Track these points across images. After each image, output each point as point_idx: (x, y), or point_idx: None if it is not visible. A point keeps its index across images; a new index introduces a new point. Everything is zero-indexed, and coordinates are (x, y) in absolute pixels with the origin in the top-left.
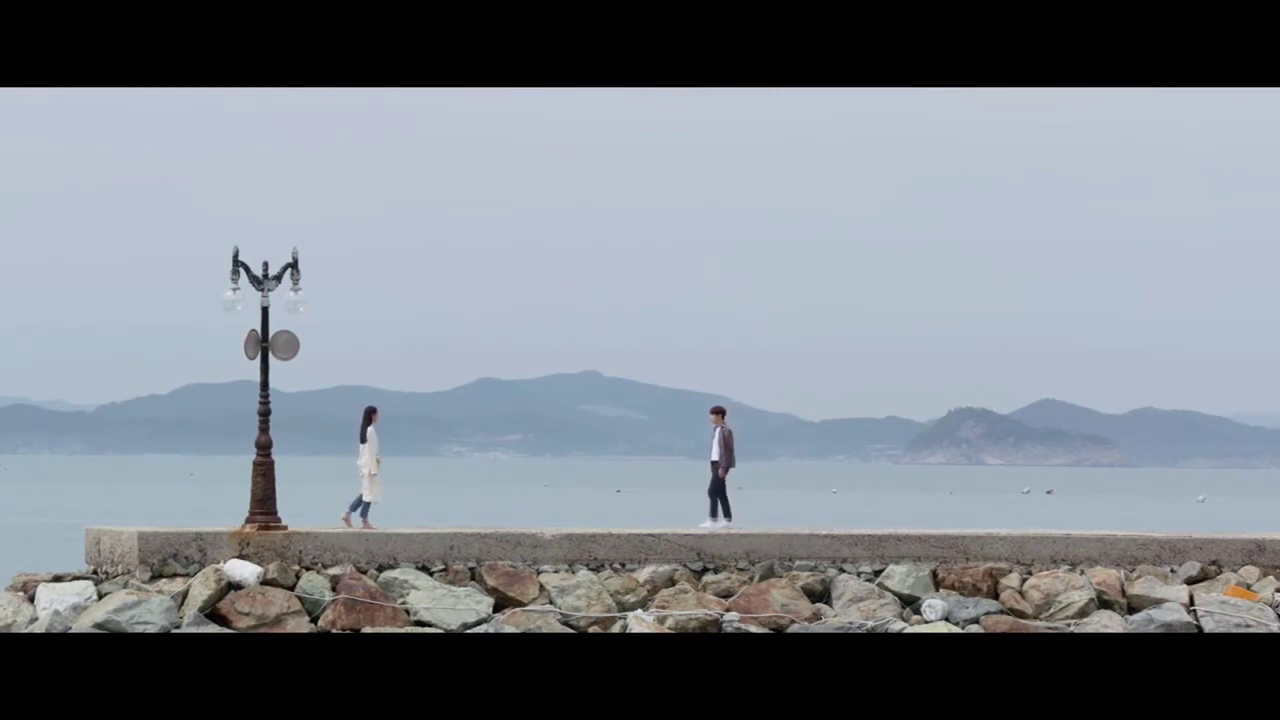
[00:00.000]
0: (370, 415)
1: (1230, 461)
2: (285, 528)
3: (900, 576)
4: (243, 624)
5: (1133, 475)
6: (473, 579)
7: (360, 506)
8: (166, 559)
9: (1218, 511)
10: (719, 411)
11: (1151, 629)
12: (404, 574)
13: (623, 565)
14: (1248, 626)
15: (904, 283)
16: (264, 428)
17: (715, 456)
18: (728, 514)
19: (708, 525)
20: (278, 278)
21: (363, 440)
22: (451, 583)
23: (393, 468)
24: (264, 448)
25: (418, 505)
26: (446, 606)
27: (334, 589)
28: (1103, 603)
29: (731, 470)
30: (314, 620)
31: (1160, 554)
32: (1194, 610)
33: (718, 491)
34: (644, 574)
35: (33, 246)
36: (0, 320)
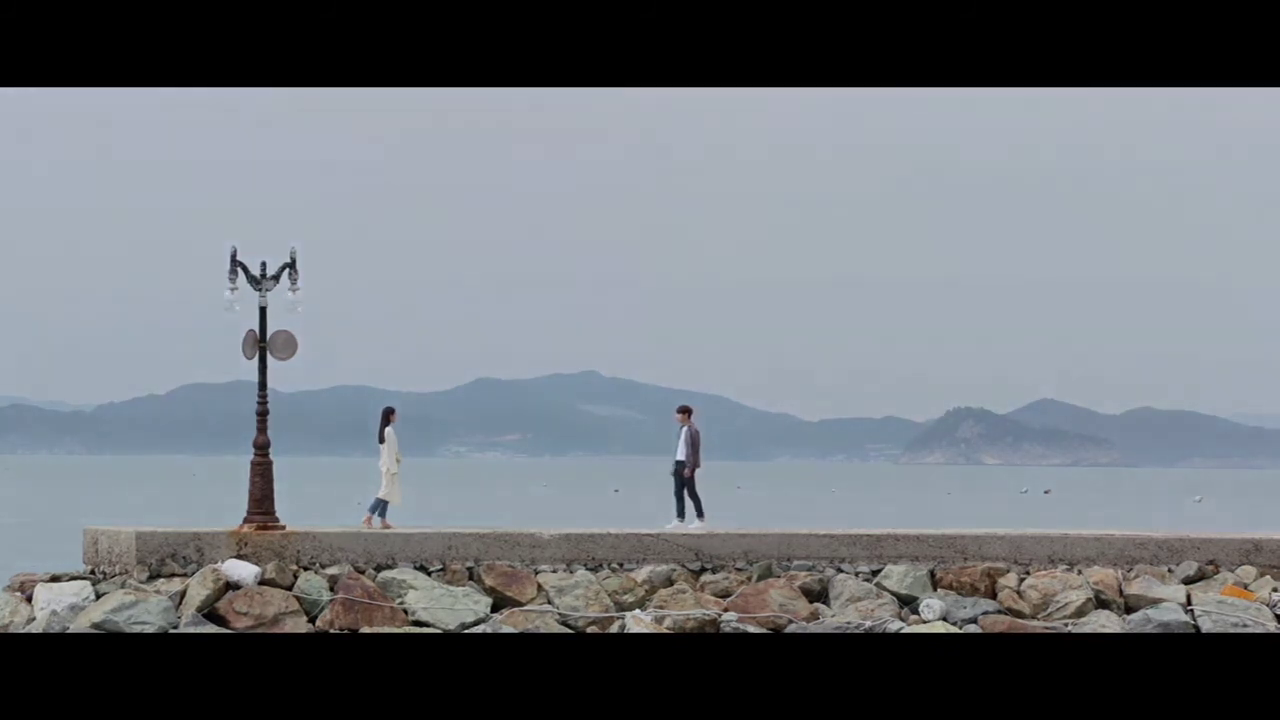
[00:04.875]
0: (388, 415)
1: (1228, 461)
2: (283, 527)
3: (898, 576)
4: (241, 624)
5: (1130, 475)
6: (471, 579)
7: (378, 506)
8: (164, 559)
9: (1215, 511)
10: (685, 411)
11: (1149, 629)
12: (402, 574)
13: (621, 565)
14: (1245, 626)
15: (903, 283)
16: (262, 428)
17: (681, 456)
18: (700, 514)
19: (697, 525)
20: (275, 277)
21: (381, 441)
22: (450, 582)
23: None
24: (262, 448)
25: (416, 505)
26: (444, 606)
27: (332, 589)
28: (1100, 602)
29: (698, 470)
30: (312, 620)
31: (1158, 554)
32: (1191, 610)
33: (688, 491)
34: (642, 574)
35: (32, 246)
36: None
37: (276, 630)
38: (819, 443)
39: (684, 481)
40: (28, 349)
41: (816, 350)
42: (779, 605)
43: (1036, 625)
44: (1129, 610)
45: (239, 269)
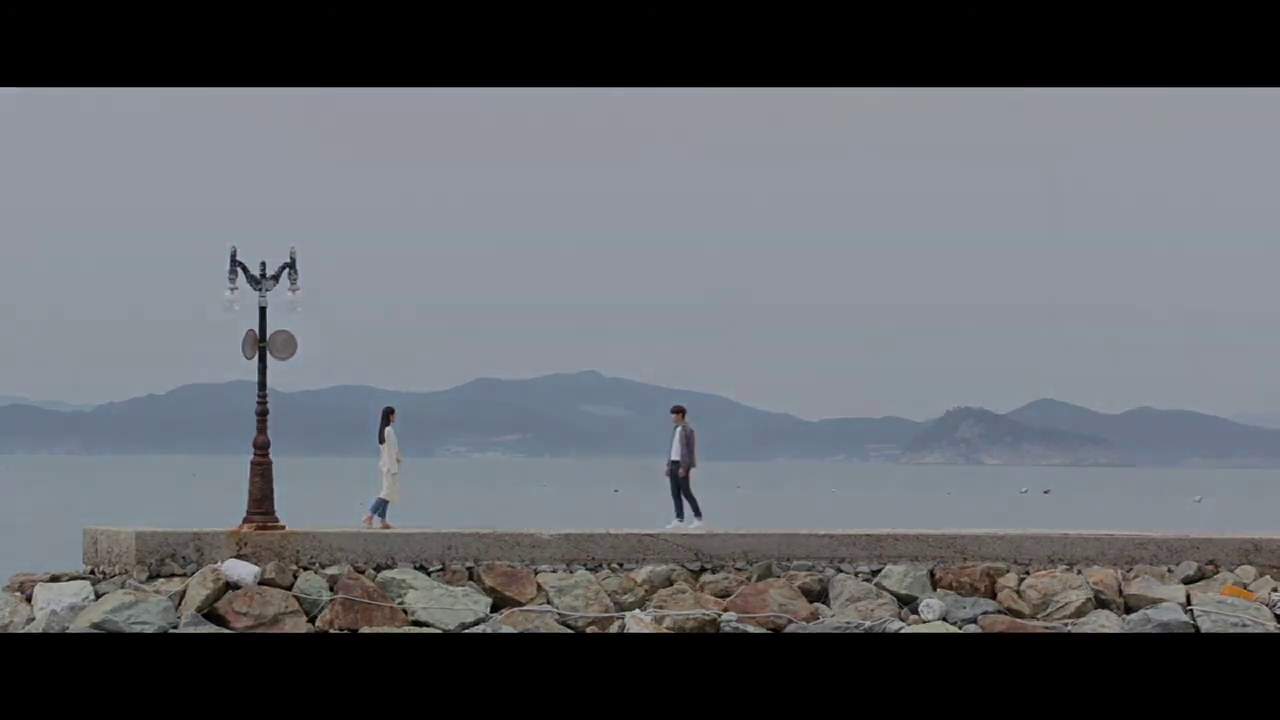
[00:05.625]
0: (388, 416)
1: (1227, 461)
2: (283, 527)
3: (898, 576)
4: (240, 624)
5: (1130, 475)
6: (470, 579)
7: (380, 506)
8: (164, 559)
9: (1215, 511)
10: (680, 411)
11: (1149, 629)
12: (402, 574)
13: (620, 565)
14: (1244, 626)
15: (902, 282)
16: (262, 428)
17: (676, 456)
18: (697, 514)
19: (696, 525)
20: (275, 277)
21: (381, 441)
22: (449, 582)
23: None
24: (262, 448)
25: (416, 505)
26: (444, 606)
27: (332, 589)
28: (1100, 602)
29: (693, 470)
30: (312, 620)
31: (1157, 554)
32: (1191, 610)
33: (685, 491)
34: (642, 574)
35: (31, 246)
36: None
37: (276, 630)
38: (819, 443)
39: (679, 482)
40: (28, 349)
41: (817, 350)
42: (779, 605)
43: (1036, 625)
44: (1128, 610)
45: (239, 269)
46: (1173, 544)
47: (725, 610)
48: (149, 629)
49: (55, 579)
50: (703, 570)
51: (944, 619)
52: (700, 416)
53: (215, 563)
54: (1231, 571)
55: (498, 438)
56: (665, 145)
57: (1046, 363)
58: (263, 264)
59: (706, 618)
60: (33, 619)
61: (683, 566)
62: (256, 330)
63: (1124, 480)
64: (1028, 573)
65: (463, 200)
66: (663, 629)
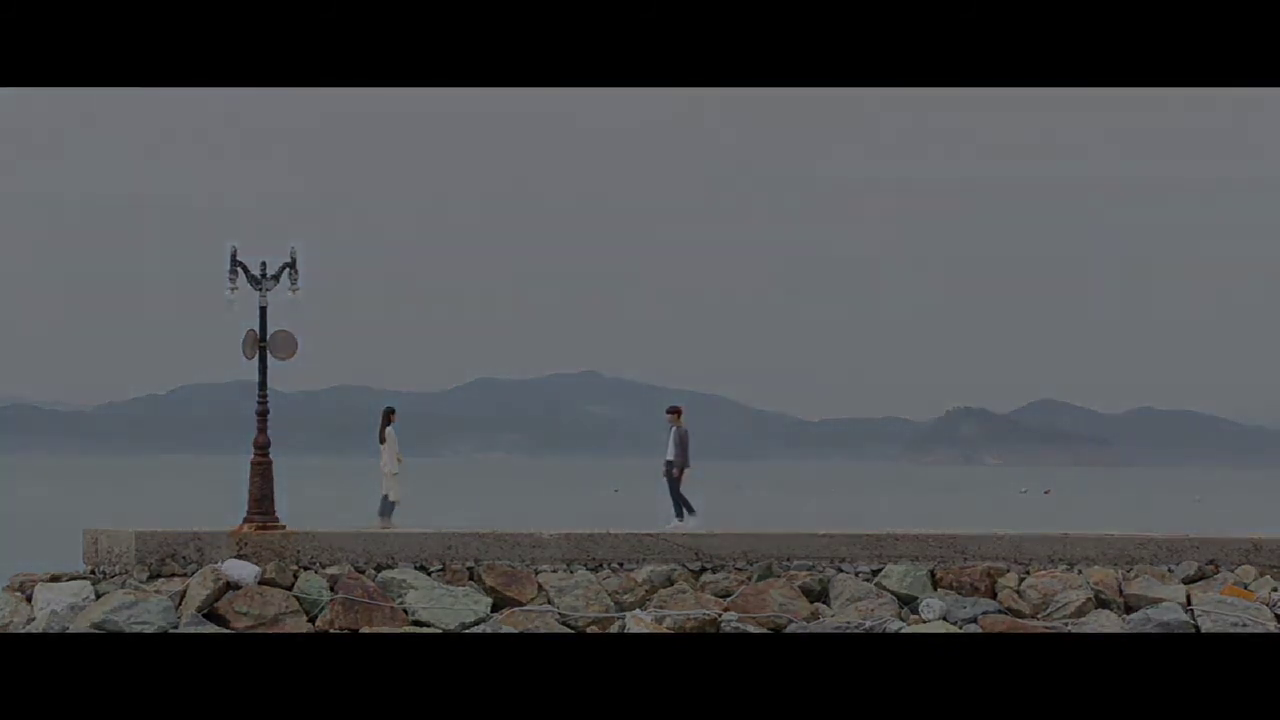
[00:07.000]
0: (389, 416)
1: (1227, 461)
2: (283, 527)
3: (898, 576)
4: (241, 624)
5: (1130, 475)
6: (471, 579)
7: (388, 508)
8: (164, 559)
9: (1215, 511)
10: (675, 411)
11: (1149, 628)
12: (402, 574)
13: (621, 565)
14: (1245, 626)
15: (901, 282)
16: (262, 427)
17: (671, 456)
18: (691, 511)
19: (695, 523)
20: (276, 277)
21: (381, 441)
22: (450, 582)
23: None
24: (262, 447)
25: (416, 505)
26: (444, 606)
27: (332, 589)
28: (1100, 602)
29: (687, 470)
30: (312, 620)
31: (1158, 553)
32: (1191, 610)
33: (675, 491)
34: (642, 574)
35: (31, 246)
36: None
37: (276, 630)
38: (819, 443)
39: (673, 481)
40: (29, 349)
41: (816, 350)
42: (779, 605)
43: (1036, 625)
44: (1129, 610)
45: (239, 269)
46: (1173, 544)
47: (725, 610)
48: (149, 629)
49: (55, 579)
50: (703, 570)
51: (944, 619)
52: (700, 416)
53: (215, 563)
54: (1231, 571)
55: (498, 438)
56: (664, 145)
57: (1046, 363)
58: (263, 264)
59: (707, 618)
60: (33, 619)
61: (683, 566)
62: (256, 330)
63: (1124, 480)
64: (1028, 573)
65: (465, 200)
66: (663, 629)
